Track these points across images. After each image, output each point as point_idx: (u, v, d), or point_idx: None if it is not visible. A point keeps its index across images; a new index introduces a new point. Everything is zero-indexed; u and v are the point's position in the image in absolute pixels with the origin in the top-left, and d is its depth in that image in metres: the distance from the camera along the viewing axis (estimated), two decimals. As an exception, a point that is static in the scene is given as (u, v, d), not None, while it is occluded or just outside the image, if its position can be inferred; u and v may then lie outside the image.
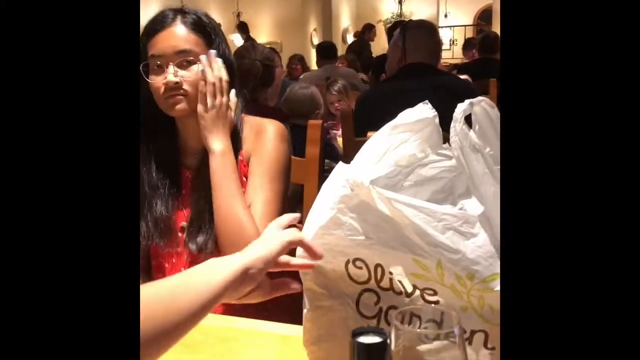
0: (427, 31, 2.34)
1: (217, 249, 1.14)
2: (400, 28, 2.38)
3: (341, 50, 9.25)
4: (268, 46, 2.51)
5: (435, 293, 0.70)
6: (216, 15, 9.99)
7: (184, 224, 1.18)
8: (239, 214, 1.08)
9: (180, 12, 1.15)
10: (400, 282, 0.71)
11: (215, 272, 0.69)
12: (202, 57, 1.12)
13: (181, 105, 1.13)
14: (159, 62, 1.12)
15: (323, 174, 1.45)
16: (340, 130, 3.03)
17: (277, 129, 1.21)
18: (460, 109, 0.72)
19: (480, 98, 0.73)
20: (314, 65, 5.21)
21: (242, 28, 9.00)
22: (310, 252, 0.73)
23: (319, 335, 0.76)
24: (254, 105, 2.17)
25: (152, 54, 1.13)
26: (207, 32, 1.15)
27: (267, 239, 0.74)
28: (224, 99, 1.13)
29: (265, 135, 1.19)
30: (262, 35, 10.13)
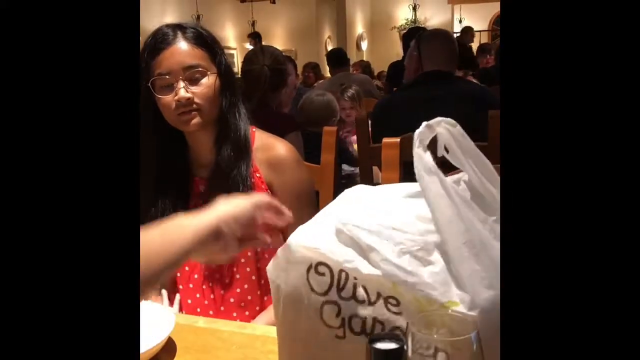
0: (442, 39, 2.35)
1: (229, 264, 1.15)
2: (416, 38, 2.39)
3: (356, 58, 9.28)
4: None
5: (398, 303, 0.69)
6: (232, 24, 10.10)
7: None
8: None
9: (179, 27, 1.16)
10: (364, 287, 0.70)
11: (186, 228, 0.73)
12: None
13: (196, 120, 1.14)
14: (167, 80, 1.13)
15: (339, 180, 1.45)
16: (353, 136, 3.05)
17: (291, 155, 1.23)
18: (417, 132, 0.72)
19: (439, 119, 0.73)
20: (328, 73, 5.22)
21: (255, 37, 9.06)
22: (279, 213, 0.81)
23: (291, 349, 0.77)
24: (265, 110, 2.19)
25: (160, 72, 1.13)
26: (208, 44, 1.16)
27: (238, 200, 0.79)
28: None
29: (285, 164, 1.22)
30: (277, 43, 10.18)
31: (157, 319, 0.95)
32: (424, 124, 0.72)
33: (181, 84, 1.12)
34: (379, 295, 0.69)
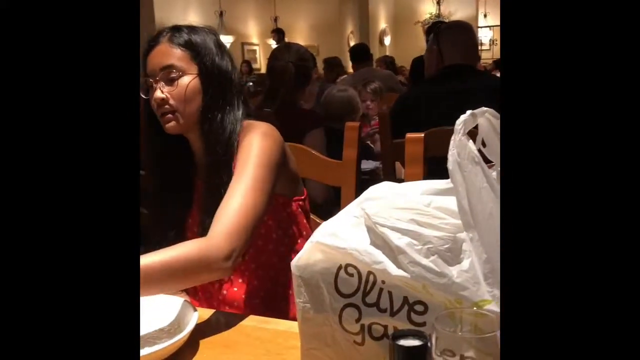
0: (461, 30, 2.30)
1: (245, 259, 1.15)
2: (434, 31, 2.35)
3: (379, 53, 9.23)
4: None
5: (424, 310, 0.68)
6: (254, 20, 10.13)
7: (197, 230, 1.19)
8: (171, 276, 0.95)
9: (172, 29, 1.16)
10: (390, 293, 0.69)
11: None
12: None
13: (171, 124, 1.13)
14: (150, 81, 1.14)
15: (360, 176, 1.44)
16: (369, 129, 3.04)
17: (260, 126, 1.15)
18: (461, 119, 0.69)
19: (483, 109, 0.71)
20: (350, 69, 5.20)
21: (278, 33, 9.08)
22: None
23: (311, 347, 0.77)
24: (289, 107, 2.19)
25: (146, 73, 1.15)
26: (193, 46, 1.14)
27: None
28: None
29: (247, 136, 1.14)
30: (299, 39, 10.19)
31: (180, 313, 0.96)
32: (468, 112, 0.70)
33: (159, 84, 1.12)
34: (404, 301, 0.69)
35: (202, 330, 0.94)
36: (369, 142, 2.94)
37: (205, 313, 1.03)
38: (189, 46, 1.14)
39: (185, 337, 0.88)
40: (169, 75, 1.12)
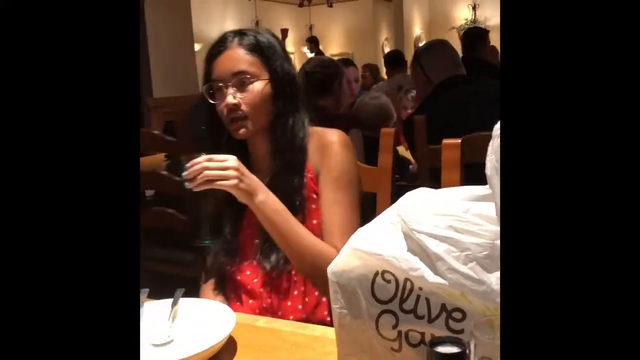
0: (441, 48, 2.43)
1: (291, 265, 1.16)
2: (414, 56, 2.50)
3: (413, 59, 9.17)
4: (339, 57, 2.57)
5: (462, 317, 0.67)
6: (289, 29, 10.20)
7: (257, 242, 1.21)
8: (305, 250, 1.11)
9: (239, 33, 1.17)
10: (427, 300, 0.69)
11: None
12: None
13: (243, 131, 1.16)
14: (219, 86, 1.15)
15: (395, 183, 1.44)
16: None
17: (340, 139, 1.20)
18: (499, 124, 0.68)
19: None
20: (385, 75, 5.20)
21: (311, 42, 9.14)
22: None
23: (347, 353, 0.77)
24: (316, 113, 2.23)
25: (214, 78, 1.16)
26: (262, 50, 1.16)
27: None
28: (231, 171, 1.06)
29: (331, 149, 1.19)
30: (334, 46, 10.23)
31: (218, 317, 0.97)
32: None
33: (230, 90, 1.13)
34: (442, 308, 0.68)
35: (240, 335, 0.95)
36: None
37: (243, 318, 1.04)
38: (259, 51, 1.16)
39: (222, 341, 0.89)
40: (241, 80, 1.14)
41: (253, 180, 1.10)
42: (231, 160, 1.06)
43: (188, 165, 1.02)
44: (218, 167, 1.04)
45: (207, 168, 1.03)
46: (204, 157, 1.04)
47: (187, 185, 1.02)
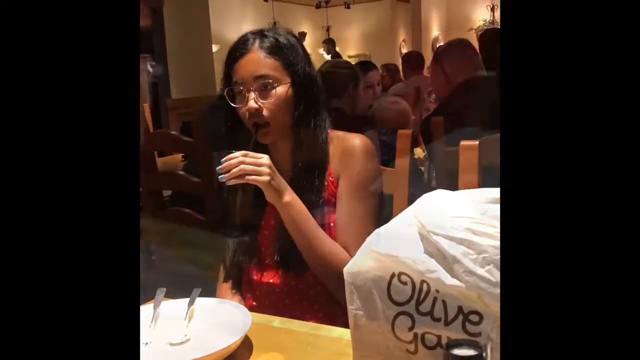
0: (461, 47, 2.43)
1: (308, 266, 1.16)
2: (434, 56, 2.50)
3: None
4: (357, 58, 2.58)
5: (479, 320, 0.67)
6: (307, 30, 10.22)
7: (275, 243, 1.21)
8: (324, 254, 1.13)
9: (260, 35, 1.17)
10: (444, 302, 0.68)
11: None
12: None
13: (267, 138, 1.17)
14: (241, 89, 1.15)
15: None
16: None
17: (364, 145, 1.20)
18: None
19: None
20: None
21: (328, 43, 9.14)
22: None
23: (363, 355, 0.77)
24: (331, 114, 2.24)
25: (235, 81, 1.16)
26: (284, 53, 1.16)
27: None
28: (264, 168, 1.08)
29: (353, 155, 1.19)
30: (351, 47, 10.21)
31: (234, 317, 0.97)
32: None
33: (252, 94, 1.13)
34: (459, 310, 0.68)
35: (256, 335, 0.95)
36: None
37: (259, 318, 1.04)
38: (280, 54, 1.16)
39: (238, 341, 0.89)
40: (265, 85, 1.14)
41: (282, 181, 1.11)
42: (265, 158, 1.08)
43: (224, 159, 1.05)
44: (253, 163, 1.06)
45: (243, 162, 1.05)
46: (240, 152, 1.06)
47: (221, 177, 1.05)
